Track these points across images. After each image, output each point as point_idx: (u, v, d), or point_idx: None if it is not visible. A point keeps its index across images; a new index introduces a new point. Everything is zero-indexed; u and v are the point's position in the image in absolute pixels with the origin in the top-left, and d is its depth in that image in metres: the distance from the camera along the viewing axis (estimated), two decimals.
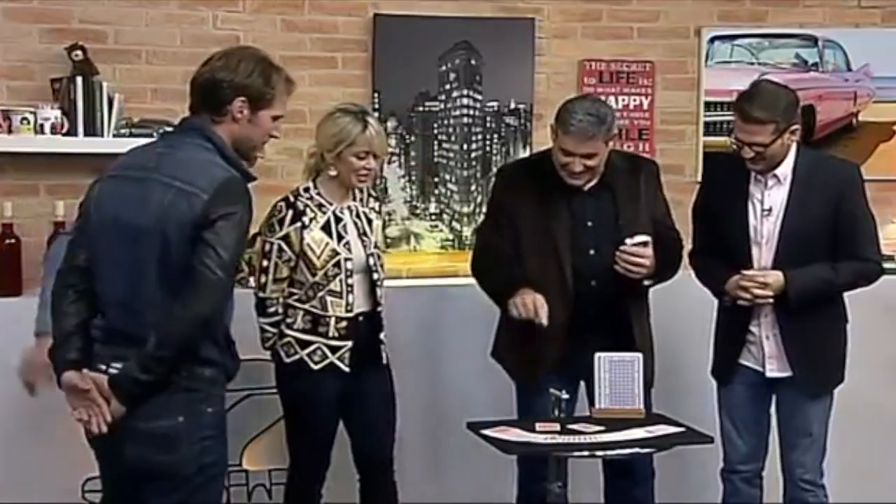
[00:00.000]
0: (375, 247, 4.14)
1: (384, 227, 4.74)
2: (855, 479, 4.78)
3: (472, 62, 5.23)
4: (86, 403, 3.07)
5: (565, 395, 3.82)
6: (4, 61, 4.75)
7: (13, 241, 4.60)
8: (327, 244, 4.01)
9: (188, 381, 3.07)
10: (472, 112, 5.26)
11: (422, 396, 4.36)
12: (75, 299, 3.16)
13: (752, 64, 5.46)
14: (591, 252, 4.05)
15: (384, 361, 4.15)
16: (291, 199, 4.06)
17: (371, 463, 4.21)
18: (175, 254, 3.01)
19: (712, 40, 5.45)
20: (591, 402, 3.95)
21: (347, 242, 4.05)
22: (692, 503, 4.79)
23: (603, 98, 4.40)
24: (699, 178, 5.28)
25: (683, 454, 4.01)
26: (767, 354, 4.09)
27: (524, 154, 5.26)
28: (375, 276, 4.10)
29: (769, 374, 4.10)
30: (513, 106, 5.29)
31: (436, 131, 5.24)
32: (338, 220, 4.06)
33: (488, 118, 5.29)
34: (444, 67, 5.20)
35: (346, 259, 4.03)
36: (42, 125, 4.55)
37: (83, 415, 3.08)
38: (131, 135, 4.55)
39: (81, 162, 4.50)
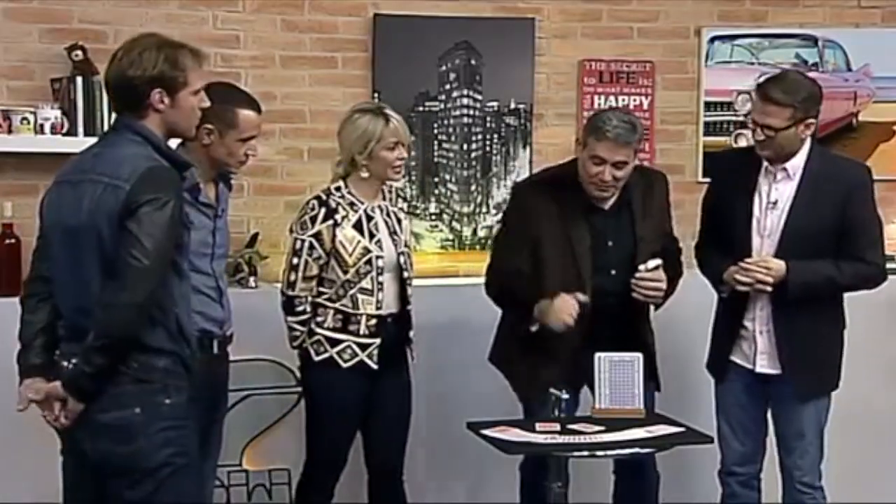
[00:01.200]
0: (405, 246, 4.17)
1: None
2: (854, 481, 4.77)
3: (472, 62, 5.22)
4: (46, 407, 3.18)
5: (565, 395, 3.82)
6: (4, 61, 4.75)
7: (13, 241, 4.61)
8: (359, 242, 4.02)
9: (141, 372, 3.09)
10: (472, 112, 5.26)
11: (422, 396, 4.35)
12: (38, 307, 3.26)
13: (752, 64, 5.45)
14: (613, 272, 4.06)
15: (412, 360, 4.19)
16: (324, 197, 4.07)
17: (382, 469, 4.23)
18: (110, 248, 3.05)
19: (712, 40, 5.44)
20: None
21: (379, 240, 4.06)
22: (692, 503, 4.79)
23: (603, 97, 4.39)
24: (699, 178, 5.31)
25: (683, 454, 4.01)
26: (759, 350, 4.07)
27: (524, 154, 5.26)
28: (406, 274, 4.12)
29: (759, 369, 4.08)
30: (513, 106, 5.28)
31: (436, 131, 5.24)
32: (369, 218, 4.07)
33: (488, 118, 5.28)
34: (444, 67, 5.20)
35: (378, 256, 4.04)
36: (42, 125, 4.55)
37: (49, 415, 3.19)
38: None
39: None
